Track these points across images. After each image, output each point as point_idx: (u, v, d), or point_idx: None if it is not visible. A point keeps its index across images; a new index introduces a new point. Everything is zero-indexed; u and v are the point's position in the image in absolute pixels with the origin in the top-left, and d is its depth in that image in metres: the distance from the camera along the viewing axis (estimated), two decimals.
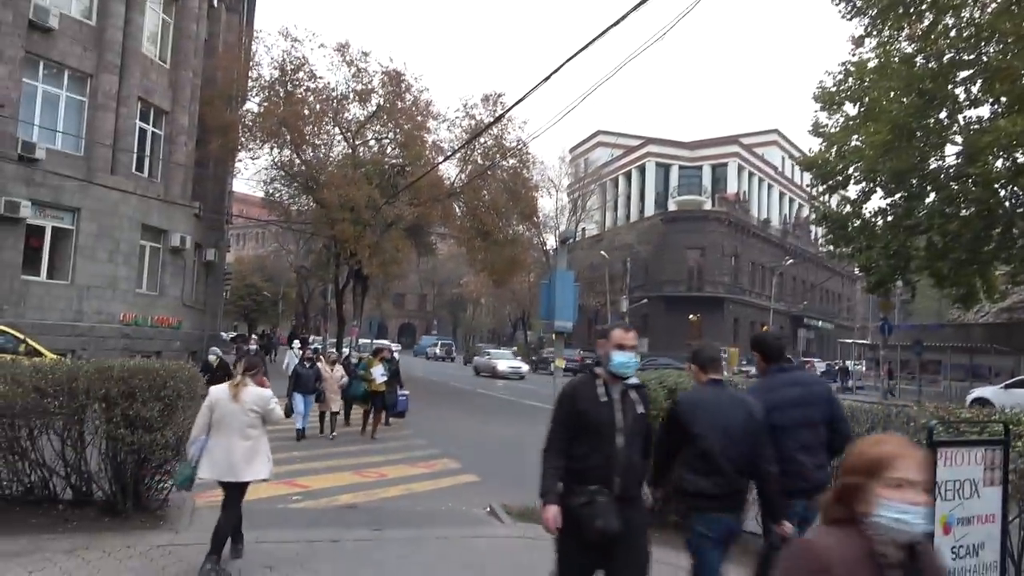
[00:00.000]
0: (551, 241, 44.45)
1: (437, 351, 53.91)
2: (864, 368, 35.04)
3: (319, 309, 49.95)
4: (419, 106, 26.30)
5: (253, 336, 37.55)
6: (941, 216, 18.22)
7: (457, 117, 26.66)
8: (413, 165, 25.73)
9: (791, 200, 63.32)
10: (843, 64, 19.52)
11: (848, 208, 20.98)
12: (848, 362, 37.02)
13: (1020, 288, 24.61)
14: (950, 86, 17.97)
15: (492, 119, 24.39)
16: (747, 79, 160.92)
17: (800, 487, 3.62)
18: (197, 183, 23.52)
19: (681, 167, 58.33)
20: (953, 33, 17.47)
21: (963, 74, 17.89)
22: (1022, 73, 15.86)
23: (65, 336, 16.87)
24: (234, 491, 5.00)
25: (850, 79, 19.39)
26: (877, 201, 20.93)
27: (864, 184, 20.20)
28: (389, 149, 27.75)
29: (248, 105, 26.16)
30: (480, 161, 26.49)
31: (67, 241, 17.87)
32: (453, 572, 5.31)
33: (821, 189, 21.79)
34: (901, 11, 17.72)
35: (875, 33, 18.84)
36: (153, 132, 20.89)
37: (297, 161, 26.57)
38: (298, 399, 12.07)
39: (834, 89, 19.82)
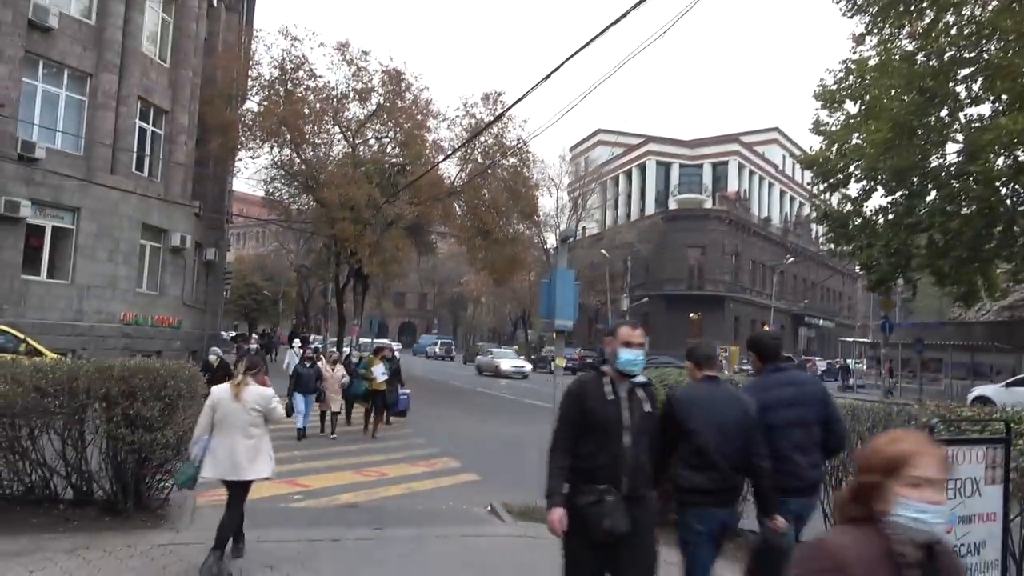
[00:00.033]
0: (551, 240, 44.47)
1: (436, 350, 53.93)
2: (865, 366, 35.03)
3: (319, 308, 49.99)
4: (419, 105, 26.32)
5: (254, 335, 37.61)
6: (942, 214, 18.21)
7: (457, 116, 26.72)
8: (413, 164, 25.73)
9: (792, 198, 63.32)
10: (844, 62, 19.50)
11: (849, 206, 20.97)
12: (849, 360, 37.06)
13: (1021, 286, 24.57)
14: (951, 84, 17.95)
15: (492, 118, 24.40)
16: (748, 77, 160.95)
17: (794, 486, 3.66)
18: (197, 182, 23.51)
19: (682, 166, 58.33)
20: (954, 31, 17.44)
21: (964, 72, 17.87)
22: (1023, 71, 15.84)
23: (65, 336, 16.87)
24: (237, 490, 5.03)
25: (851, 77, 19.36)
26: (878, 199, 20.93)
27: (865, 182, 20.19)
28: (389, 148, 27.75)
29: (248, 104, 26.17)
30: (480, 160, 26.49)
31: (67, 241, 17.88)
32: (454, 571, 5.31)
33: (822, 187, 21.77)
34: (902, 8, 17.70)
35: (876, 31, 18.82)
36: (153, 131, 20.88)
37: (297, 160, 26.57)
38: (299, 399, 12.08)
39: (835, 87, 19.80)
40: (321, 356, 14.67)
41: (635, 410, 3.19)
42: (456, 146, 25.31)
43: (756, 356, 4.10)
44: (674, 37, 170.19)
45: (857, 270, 38.78)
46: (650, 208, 56.55)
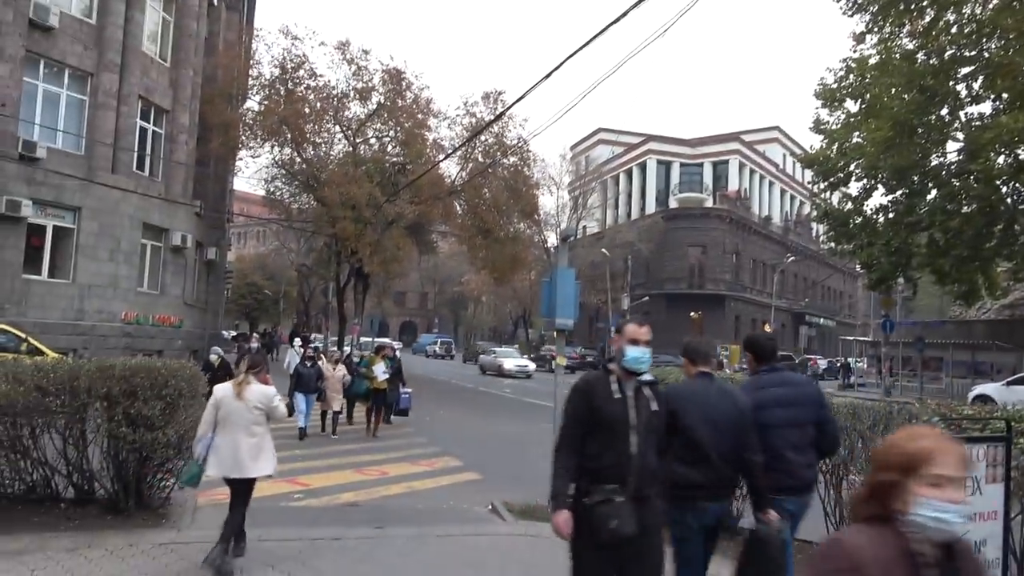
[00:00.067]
0: (552, 239, 44.51)
1: (436, 349, 53.93)
2: (865, 365, 35.01)
3: (320, 307, 50.00)
4: (420, 104, 26.33)
5: (254, 335, 37.56)
6: (942, 213, 18.21)
7: (458, 115, 26.76)
8: (414, 163, 25.75)
9: (792, 197, 63.30)
10: (844, 61, 19.50)
11: (849, 205, 20.99)
12: (850, 359, 37.06)
13: (1022, 285, 24.58)
14: (951, 82, 17.94)
15: (493, 117, 24.40)
16: (748, 76, 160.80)
17: (789, 484, 3.69)
18: (198, 182, 23.52)
19: (682, 164, 58.33)
20: (954, 29, 17.44)
21: (964, 70, 17.86)
22: (1023, 69, 15.83)
23: (66, 335, 16.88)
24: (241, 487, 5.05)
25: (851, 76, 19.37)
26: (878, 198, 20.96)
27: (865, 181, 20.20)
28: (390, 147, 27.77)
29: (249, 103, 26.20)
30: (481, 159, 26.51)
31: (68, 240, 17.89)
32: (454, 570, 5.31)
33: (822, 186, 21.79)
34: (902, 7, 17.69)
35: (876, 29, 18.81)
36: (154, 131, 20.89)
37: (298, 159, 26.60)
38: (300, 398, 12.09)
39: (835, 86, 19.80)
40: (322, 355, 14.68)
41: (642, 409, 3.14)
42: (457, 145, 25.33)
43: (752, 356, 4.15)
44: (674, 36, 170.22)
45: (858, 269, 38.78)
46: (651, 207, 56.55)
